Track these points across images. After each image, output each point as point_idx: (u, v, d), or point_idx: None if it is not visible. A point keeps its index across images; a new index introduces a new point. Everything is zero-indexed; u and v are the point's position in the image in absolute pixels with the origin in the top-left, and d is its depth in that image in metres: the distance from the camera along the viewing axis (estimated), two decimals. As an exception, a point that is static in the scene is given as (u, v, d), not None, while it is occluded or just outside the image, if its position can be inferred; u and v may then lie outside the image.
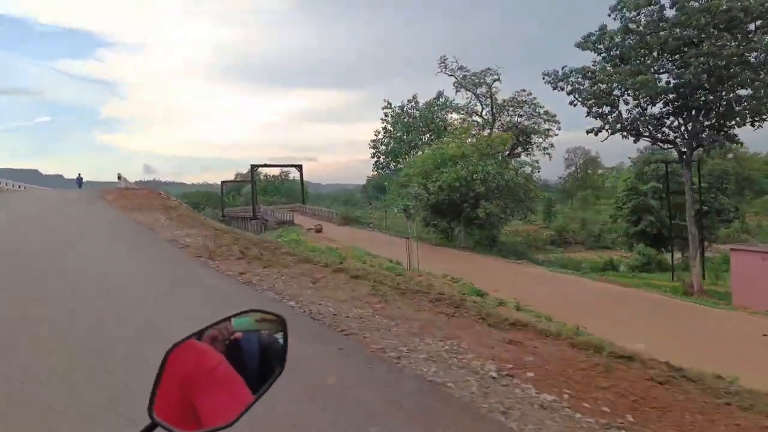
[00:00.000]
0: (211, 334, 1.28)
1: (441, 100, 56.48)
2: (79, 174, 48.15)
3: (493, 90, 53.01)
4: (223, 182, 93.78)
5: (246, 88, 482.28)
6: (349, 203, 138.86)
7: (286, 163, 71.76)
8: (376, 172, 61.77)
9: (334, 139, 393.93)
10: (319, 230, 44.11)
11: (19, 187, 41.16)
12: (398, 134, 56.25)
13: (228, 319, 1.33)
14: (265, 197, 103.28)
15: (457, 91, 54.31)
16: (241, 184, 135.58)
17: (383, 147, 59.34)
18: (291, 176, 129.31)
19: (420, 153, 48.13)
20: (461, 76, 52.80)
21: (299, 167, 63.68)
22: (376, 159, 60.21)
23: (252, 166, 61.97)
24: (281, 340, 1.38)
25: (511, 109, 53.31)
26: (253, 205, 61.04)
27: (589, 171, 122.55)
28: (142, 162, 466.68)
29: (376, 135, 60.11)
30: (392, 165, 55.76)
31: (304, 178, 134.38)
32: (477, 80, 52.74)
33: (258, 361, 1.33)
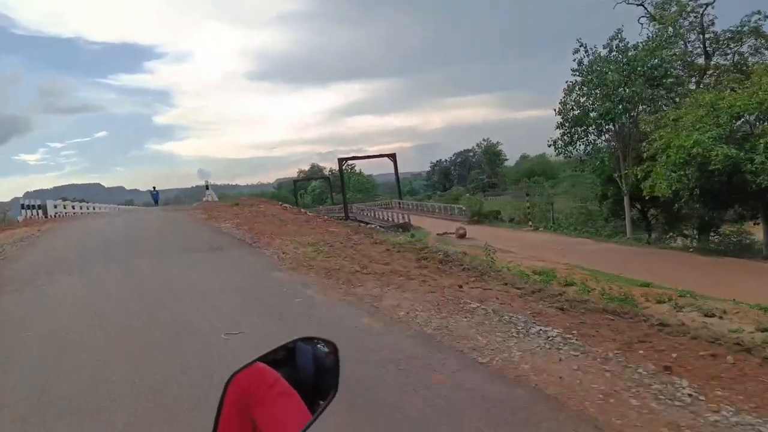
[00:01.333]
0: (269, 358, 1.27)
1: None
2: (154, 187, 38.82)
3: (705, 20, 37.12)
4: (296, 181, 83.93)
5: (285, 88, 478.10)
6: (412, 193, 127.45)
7: (376, 154, 59.37)
8: (556, 149, 37.48)
9: (374, 131, 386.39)
10: (462, 235, 32.69)
11: (93, 209, 31.61)
12: (598, 89, 33.69)
13: (285, 345, 1.31)
14: (337, 194, 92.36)
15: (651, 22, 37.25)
16: (305, 182, 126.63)
17: (575, 111, 35.31)
18: (357, 169, 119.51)
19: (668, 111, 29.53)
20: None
21: (392, 156, 52.72)
22: (562, 132, 36.28)
23: (339, 160, 52.20)
24: (334, 364, 1.34)
25: (734, 45, 37.08)
26: (345, 205, 50.31)
27: None
28: (196, 168, 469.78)
29: (565, 94, 36.11)
30: (590, 133, 34.71)
31: (362, 172, 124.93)
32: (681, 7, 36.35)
33: (313, 377, 1.32)
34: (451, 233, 32.63)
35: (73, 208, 30.59)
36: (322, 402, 1.29)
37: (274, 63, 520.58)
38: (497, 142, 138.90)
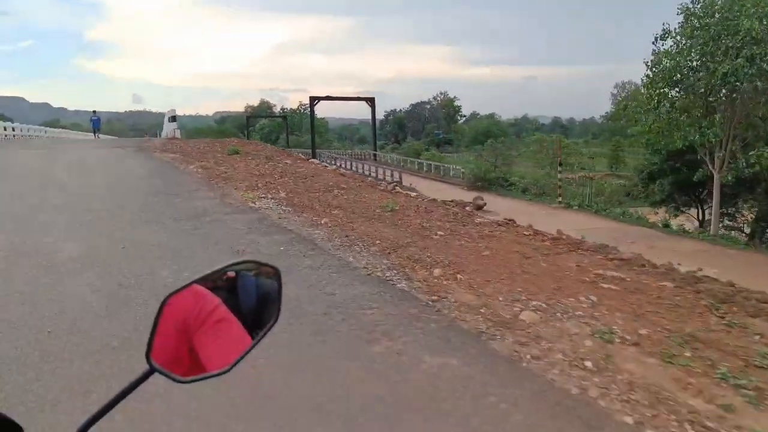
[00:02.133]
0: (209, 279, 1.21)
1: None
2: (95, 112, 29.99)
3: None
4: (248, 116, 74.96)
5: (233, 15, 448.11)
6: (361, 142, 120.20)
7: (351, 96, 51.59)
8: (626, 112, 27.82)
9: (327, 72, 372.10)
10: (480, 206, 26.44)
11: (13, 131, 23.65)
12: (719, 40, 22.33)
13: (226, 267, 1.23)
14: (300, 137, 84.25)
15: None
16: (255, 119, 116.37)
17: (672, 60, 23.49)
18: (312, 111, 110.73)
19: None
20: None
21: (371, 101, 45.55)
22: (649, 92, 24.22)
23: (311, 98, 44.30)
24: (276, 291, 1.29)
25: None
26: (314, 150, 43.09)
27: None
28: (131, 91, 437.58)
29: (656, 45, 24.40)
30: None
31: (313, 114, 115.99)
32: None
33: (255, 304, 1.26)
34: (467, 203, 26.22)
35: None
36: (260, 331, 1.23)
37: None
38: (455, 97, 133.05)
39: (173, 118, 21.77)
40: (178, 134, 20.83)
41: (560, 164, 31.85)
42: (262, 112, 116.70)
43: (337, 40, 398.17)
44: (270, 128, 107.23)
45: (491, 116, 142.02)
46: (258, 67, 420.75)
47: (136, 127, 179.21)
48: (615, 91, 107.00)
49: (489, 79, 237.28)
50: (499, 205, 27.84)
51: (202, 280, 1.19)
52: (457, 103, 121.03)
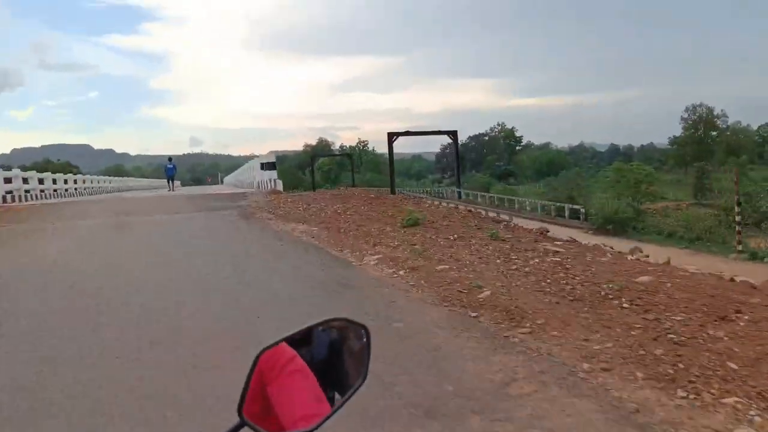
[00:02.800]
0: (299, 337, 1.21)
1: None
2: (170, 159, 25.56)
3: None
4: (313, 156, 70.94)
5: (285, 59, 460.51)
6: (418, 177, 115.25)
7: (431, 130, 46.73)
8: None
9: (376, 108, 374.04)
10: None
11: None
12: None
13: (316, 324, 1.24)
14: (365, 175, 79.40)
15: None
16: (305, 157, 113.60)
17: None
18: (371, 147, 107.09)
19: None
20: None
21: (452, 134, 40.42)
22: None
23: (389, 134, 39.70)
24: (364, 348, 1.25)
25: None
26: (393, 188, 37.87)
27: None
28: (189, 135, 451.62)
29: None
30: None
31: (375, 149, 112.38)
32: None
33: (327, 359, 1.23)
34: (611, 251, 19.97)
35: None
36: (339, 393, 1.19)
37: (274, 32, 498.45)
38: (513, 128, 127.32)
39: (271, 165, 16.74)
40: (279, 186, 16.03)
41: (738, 202, 24.25)
42: (320, 150, 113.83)
43: (384, 78, 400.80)
44: (329, 167, 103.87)
45: (546, 146, 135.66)
46: (308, 107, 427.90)
47: (194, 169, 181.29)
48: (686, 115, 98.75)
49: (534, 109, 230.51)
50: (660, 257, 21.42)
51: (292, 338, 1.18)
52: (517, 133, 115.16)
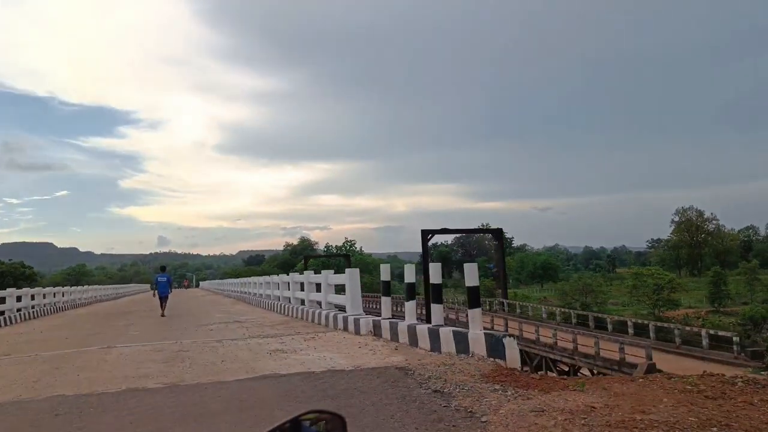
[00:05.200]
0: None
1: None
2: (163, 269, 15.59)
3: None
4: (306, 257, 62.01)
5: (256, 162, 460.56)
6: (399, 276, 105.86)
7: (471, 228, 38.84)
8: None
9: (340, 210, 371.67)
10: None
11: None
12: None
13: (290, 420, 1.23)
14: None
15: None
16: (289, 257, 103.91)
17: None
18: (358, 247, 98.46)
19: None
20: None
21: (496, 233, 32.74)
22: None
23: (423, 232, 31.47)
24: None
25: None
26: (428, 304, 28.10)
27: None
28: (156, 234, 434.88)
29: None
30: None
31: (362, 250, 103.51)
32: None
33: None
34: None
35: None
36: None
37: (244, 137, 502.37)
38: (498, 228, 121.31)
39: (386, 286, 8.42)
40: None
41: None
42: (302, 250, 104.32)
43: (355, 181, 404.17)
44: (314, 268, 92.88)
45: (523, 248, 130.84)
46: (278, 208, 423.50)
47: (157, 268, 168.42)
48: (677, 218, 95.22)
49: (504, 212, 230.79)
50: None
51: None
52: (507, 235, 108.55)
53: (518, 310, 39.82)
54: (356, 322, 9.33)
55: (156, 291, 18.34)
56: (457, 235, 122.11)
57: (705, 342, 22.96)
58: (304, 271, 15.43)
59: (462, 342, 6.33)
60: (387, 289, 9.00)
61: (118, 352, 8.51)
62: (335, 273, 12.77)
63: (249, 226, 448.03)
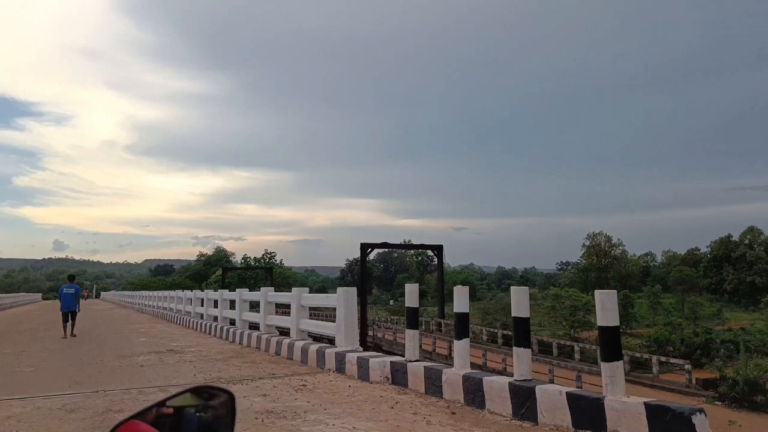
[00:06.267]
0: (153, 413, 1.09)
1: None
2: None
3: None
4: (225, 268, 58.47)
5: (169, 167, 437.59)
6: (321, 291, 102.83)
7: (411, 243, 37.04)
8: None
9: (257, 221, 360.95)
10: None
11: None
12: None
13: (172, 396, 1.13)
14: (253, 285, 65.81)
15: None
16: (203, 268, 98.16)
17: None
18: (279, 259, 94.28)
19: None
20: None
21: (438, 249, 31.16)
22: None
23: (363, 245, 29.18)
24: (229, 414, 1.17)
25: None
26: (364, 319, 27.18)
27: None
28: (53, 238, 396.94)
29: None
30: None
31: (282, 262, 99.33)
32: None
33: (194, 423, 1.14)
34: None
35: None
36: None
37: (161, 139, 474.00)
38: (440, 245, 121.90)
39: None
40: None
41: None
42: (219, 259, 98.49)
43: (272, 192, 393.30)
44: (229, 281, 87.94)
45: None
46: (190, 216, 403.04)
47: (54, 276, 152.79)
48: (587, 242, 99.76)
49: (423, 229, 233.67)
50: None
51: (142, 415, 1.05)
52: (429, 253, 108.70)
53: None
54: (362, 362, 6.80)
55: (64, 307, 14.63)
56: (379, 251, 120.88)
57: (626, 367, 22.74)
58: (265, 287, 12.56)
59: (588, 412, 4.06)
60: (415, 318, 6.55)
61: (2, 416, 5.41)
62: (257, 286, 10.12)
63: (158, 233, 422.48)
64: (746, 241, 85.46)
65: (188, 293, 20.50)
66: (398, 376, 6.27)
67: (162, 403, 1.09)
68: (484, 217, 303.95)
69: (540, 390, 4.52)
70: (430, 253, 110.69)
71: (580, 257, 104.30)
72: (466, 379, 5.28)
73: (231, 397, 1.17)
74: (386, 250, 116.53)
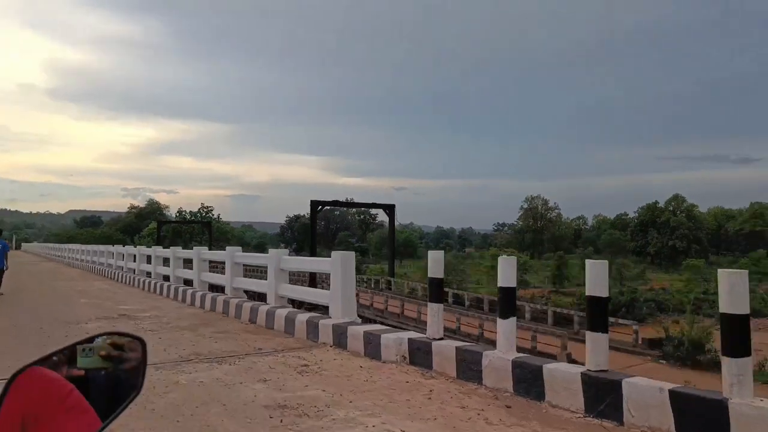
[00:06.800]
0: (59, 359, 1.05)
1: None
2: (1, 233, 9.74)
3: None
4: (160, 222, 55.71)
5: (97, 115, 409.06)
6: (259, 248, 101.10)
7: (362, 202, 35.83)
8: None
9: (191, 174, 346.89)
10: None
11: None
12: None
13: (80, 342, 1.08)
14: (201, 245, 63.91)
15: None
16: (135, 220, 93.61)
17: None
18: (217, 215, 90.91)
19: None
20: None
21: (388, 208, 30.57)
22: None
23: (313, 202, 28.19)
24: (140, 361, 1.14)
25: None
26: (313, 275, 26.50)
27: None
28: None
29: None
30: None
31: (220, 217, 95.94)
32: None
33: (108, 394, 1.09)
34: None
35: None
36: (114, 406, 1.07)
37: (88, 85, 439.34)
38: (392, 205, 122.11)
39: None
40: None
41: None
42: (152, 212, 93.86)
43: (208, 145, 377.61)
44: (164, 233, 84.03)
45: (381, 224, 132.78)
46: (119, 166, 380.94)
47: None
48: (525, 205, 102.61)
49: (364, 188, 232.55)
50: None
51: (50, 358, 1.02)
52: (372, 212, 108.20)
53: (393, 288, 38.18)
54: (371, 338, 5.87)
55: None
56: (320, 209, 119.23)
57: (550, 320, 25.05)
58: (231, 248, 11.28)
59: (703, 416, 3.33)
60: (439, 290, 5.64)
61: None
62: (193, 241, 8.96)
63: (84, 183, 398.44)
64: (671, 208, 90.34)
65: (130, 249, 18.70)
66: (419, 356, 5.39)
67: (67, 349, 1.01)
68: (423, 177, 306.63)
69: (629, 384, 3.74)
70: (373, 211, 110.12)
71: (517, 219, 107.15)
72: (517, 365, 4.44)
73: (142, 344, 1.12)
74: (328, 207, 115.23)
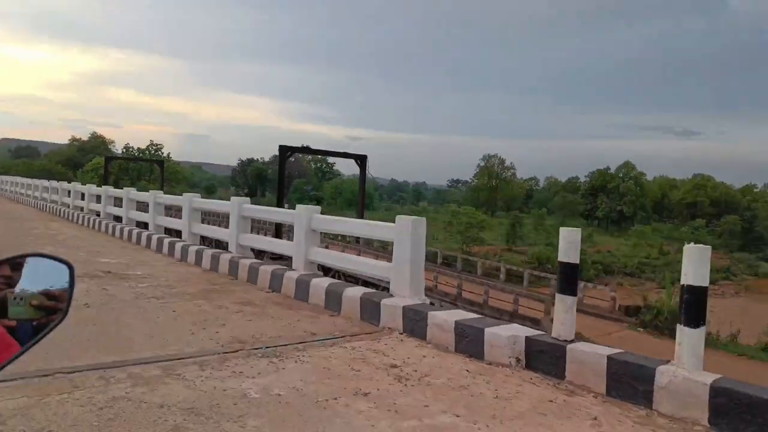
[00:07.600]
0: None
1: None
2: None
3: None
4: (108, 157, 52.38)
5: (31, 39, 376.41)
6: (208, 191, 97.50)
7: (339, 151, 33.75)
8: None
9: (142, 109, 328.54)
10: None
11: None
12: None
13: (7, 260, 1.06)
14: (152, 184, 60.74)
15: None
16: (77, 154, 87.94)
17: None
18: (165, 153, 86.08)
19: None
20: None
21: (360, 159, 29.33)
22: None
23: (282, 148, 26.36)
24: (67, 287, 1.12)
25: None
26: (279, 224, 24.80)
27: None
28: None
29: None
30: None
31: (174, 160, 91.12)
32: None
33: (31, 332, 1.07)
34: None
35: None
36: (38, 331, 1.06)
37: (16, 5, 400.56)
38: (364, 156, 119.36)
39: None
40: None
41: None
42: (96, 147, 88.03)
43: (157, 77, 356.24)
44: (112, 171, 78.73)
45: (337, 174, 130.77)
46: (60, 94, 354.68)
47: None
48: (482, 163, 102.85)
49: (319, 135, 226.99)
50: None
51: None
52: (329, 160, 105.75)
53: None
54: (466, 330, 4.64)
55: None
56: (276, 154, 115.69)
57: (502, 276, 26.18)
58: (236, 198, 9.62)
59: None
60: (574, 279, 4.43)
61: None
62: (141, 179, 7.52)
63: (17, 111, 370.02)
64: (621, 174, 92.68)
65: (93, 188, 16.52)
66: (541, 361, 4.22)
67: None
68: (379, 129, 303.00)
69: None
70: (330, 160, 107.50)
71: (473, 177, 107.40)
72: (719, 392, 3.34)
73: (70, 269, 1.11)
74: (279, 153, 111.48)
